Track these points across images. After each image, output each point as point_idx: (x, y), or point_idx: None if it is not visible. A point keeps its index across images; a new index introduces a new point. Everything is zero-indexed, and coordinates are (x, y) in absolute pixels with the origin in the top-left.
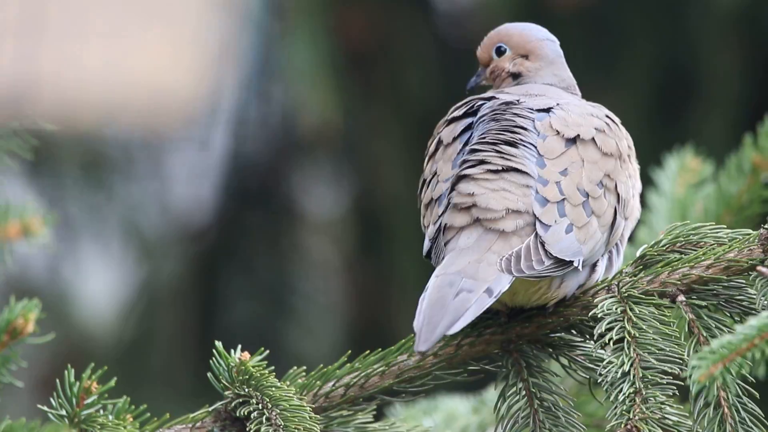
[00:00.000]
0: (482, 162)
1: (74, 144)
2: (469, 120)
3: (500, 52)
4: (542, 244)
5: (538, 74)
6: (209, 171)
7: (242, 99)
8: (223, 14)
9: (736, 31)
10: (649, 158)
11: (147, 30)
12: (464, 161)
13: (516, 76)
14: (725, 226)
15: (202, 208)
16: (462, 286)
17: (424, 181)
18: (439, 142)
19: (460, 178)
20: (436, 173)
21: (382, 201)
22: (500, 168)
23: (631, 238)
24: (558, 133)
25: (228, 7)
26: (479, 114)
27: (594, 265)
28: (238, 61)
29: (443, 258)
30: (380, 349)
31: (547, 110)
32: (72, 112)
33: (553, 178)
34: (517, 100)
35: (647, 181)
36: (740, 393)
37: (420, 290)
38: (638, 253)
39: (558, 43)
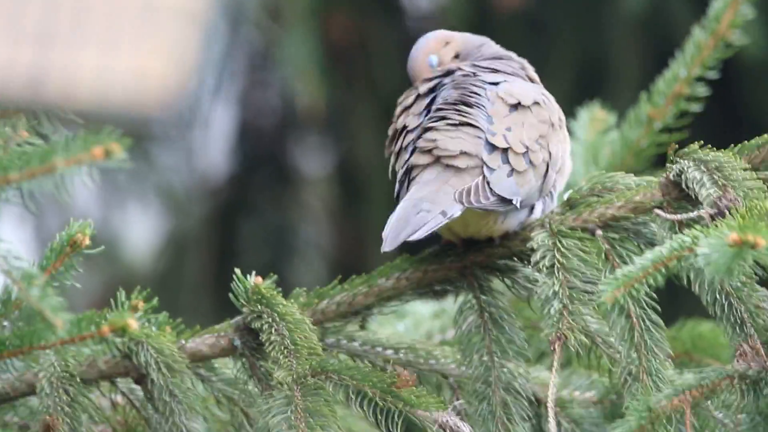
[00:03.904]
0: (444, 118)
1: (122, 123)
2: (438, 80)
3: (432, 64)
4: (488, 183)
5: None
6: (224, 141)
7: (248, 85)
8: (229, 18)
9: (639, 31)
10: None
11: (167, 34)
12: (430, 117)
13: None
14: (633, 174)
15: (220, 171)
16: (422, 207)
17: (396, 131)
18: (417, 96)
19: (425, 130)
20: (405, 126)
21: (359, 166)
22: (457, 122)
23: None
24: (504, 100)
25: (233, 12)
26: (445, 81)
27: (532, 208)
28: (243, 56)
29: (409, 189)
30: (364, 274)
31: (497, 84)
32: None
33: (499, 132)
34: (474, 74)
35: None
36: (645, 306)
37: None
38: (565, 197)
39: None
